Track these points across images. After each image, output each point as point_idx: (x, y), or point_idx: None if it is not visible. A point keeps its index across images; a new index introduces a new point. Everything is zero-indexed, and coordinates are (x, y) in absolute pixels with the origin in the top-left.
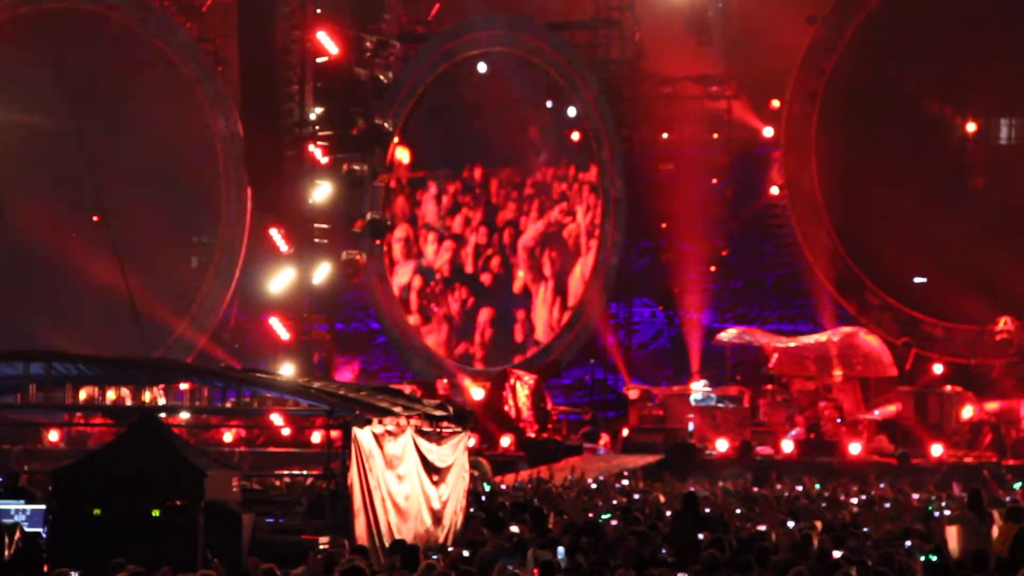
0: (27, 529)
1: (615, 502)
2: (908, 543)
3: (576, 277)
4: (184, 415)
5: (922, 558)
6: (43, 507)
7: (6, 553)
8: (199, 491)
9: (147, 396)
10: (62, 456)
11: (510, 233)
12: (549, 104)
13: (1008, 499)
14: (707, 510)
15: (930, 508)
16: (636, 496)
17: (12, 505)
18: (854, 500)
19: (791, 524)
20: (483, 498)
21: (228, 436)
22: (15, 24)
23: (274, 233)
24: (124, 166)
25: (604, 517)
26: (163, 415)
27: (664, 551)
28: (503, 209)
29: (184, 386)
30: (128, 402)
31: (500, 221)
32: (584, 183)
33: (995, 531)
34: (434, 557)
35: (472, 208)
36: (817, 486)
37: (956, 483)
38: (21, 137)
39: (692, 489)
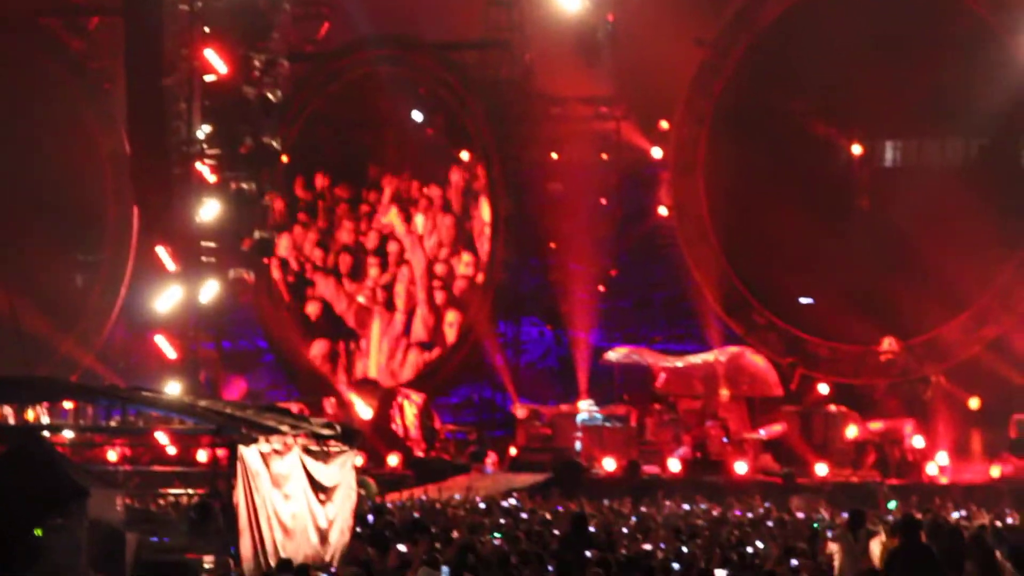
0: None
1: (502, 521)
2: (794, 562)
3: (465, 295)
4: (68, 433)
5: None
6: None
7: None
8: (82, 510)
9: (30, 414)
10: None
11: (398, 249)
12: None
13: (889, 517)
14: (593, 529)
15: (815, 526)
16: (523, 515)
17: None
18: (743, 516)
19: (684, 549)
20: (369, 517)
21: (113, 455)
22: None
23: (161, 251)
24: (8, 183)
25: (492, 536)
26: (46, 433)
27: (550, 569)
28: (390, 225)
29: (68, 404)
30: (11, 420)
31: (389, 237)
32: (472, 200)
33: (876, 546)
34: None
35: (361, 222)
36: (703, 506)
37: (827, 504)
38: None
39: (579, 509)
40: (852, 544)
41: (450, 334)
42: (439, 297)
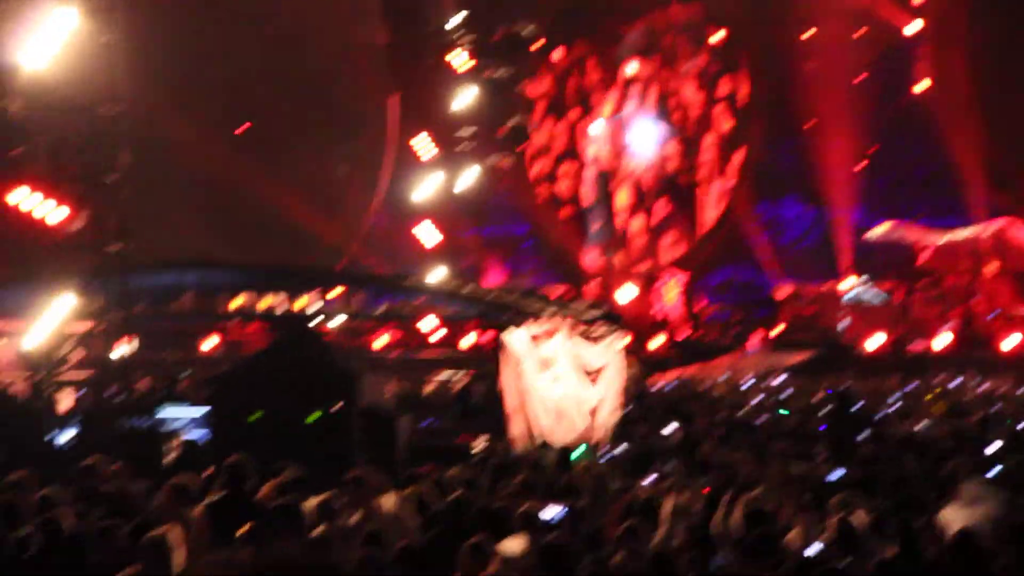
0: (186, 437)
1: (767, 401)
2: None
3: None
4: (337, 321)
5: None
6: (201, 414)
7: (166, 460)
8: (353, 395)
9: (300, 303)
10: (218, 363)
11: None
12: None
13: None
14: (859, 407)
15: None
16: (787, 394)
17: (172, 412)
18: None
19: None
20: (638, 399)
21: (381, 341)
22: None
23: (419, 140)
24: (269, 79)
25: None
26: (316, 321)
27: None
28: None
29: (336, 292)
30: (281, 309)
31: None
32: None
33: None
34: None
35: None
36: (973, 382)
37: None
38: (167, 53)
39: (846, 387)
40: None
41: (710, 215)
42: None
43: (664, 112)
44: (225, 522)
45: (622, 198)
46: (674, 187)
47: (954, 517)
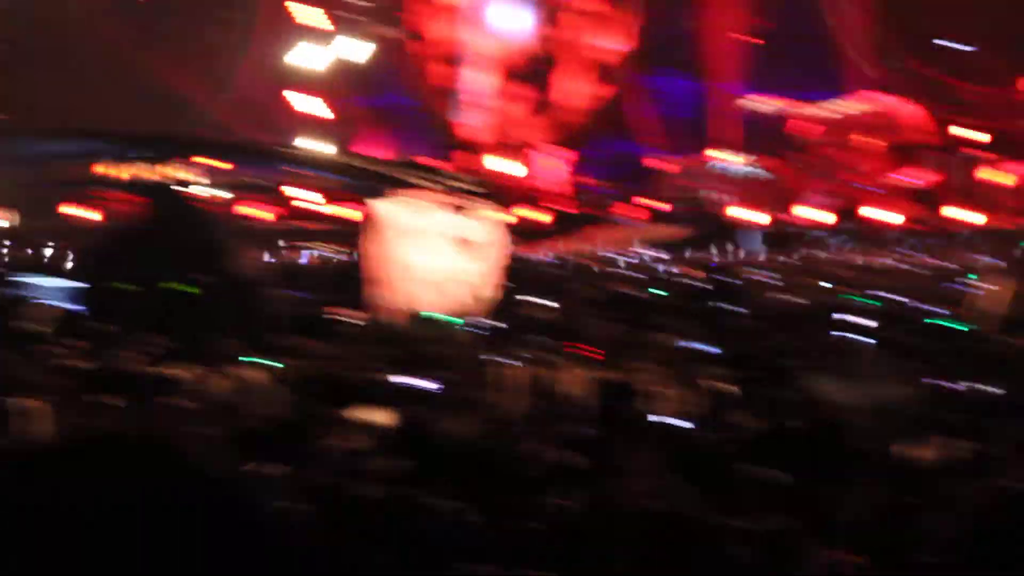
0: (55, 304)
1: (641, 274)
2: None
3: (605, 48)
4: (212, 190)
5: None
6: (70, 283)
7: (33, 328)
8: (225, 266)
9: (173, 172)
10: (89, 233)
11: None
12: None
13: None
14: (729, 280)
15: (971, 276)
16: (662, 268)
17: (39, 281)
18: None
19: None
20: (513, 272)
21: (258, 212)
22: None
23: (298, 6)
24: None
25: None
26: (194, 189)
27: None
28: None
29: (209, 161)
30: (154, 177)
31: None
32: None
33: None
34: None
35: None
36: (848, 255)
37: (985, 249)
38: None
39: (715, 261)
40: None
41: (589, 88)
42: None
43: None
44: (97, 392)
45: (496, 73)
46: (551, 59)
47: (829, 391)
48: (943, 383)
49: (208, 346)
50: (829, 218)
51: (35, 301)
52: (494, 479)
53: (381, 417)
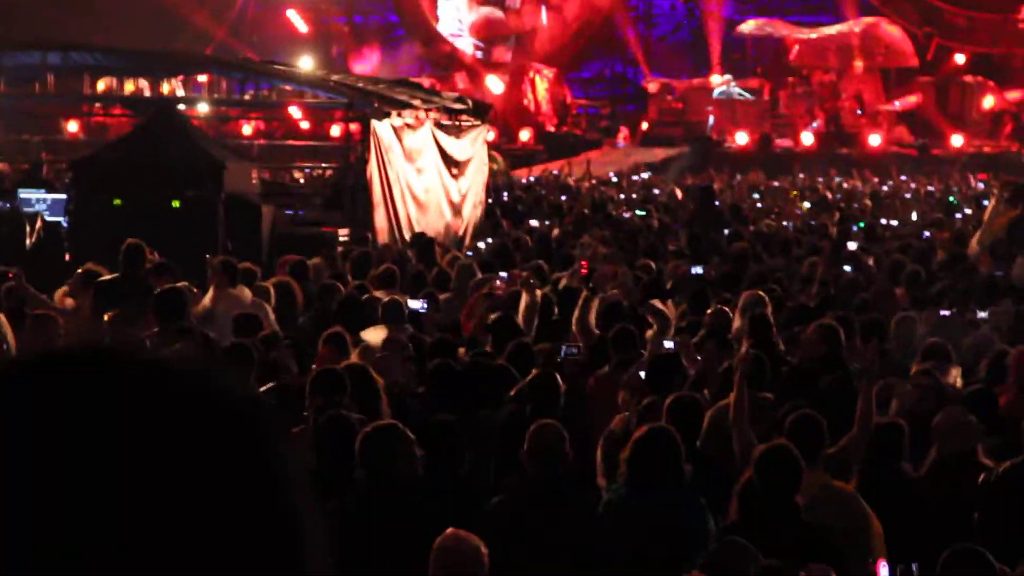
0: (48, 218)
1: (634, 196)
2: (926, 233)
3: None
4: (203, 107)
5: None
6: (64, 196)
7: (28, 241)
8: (219, 182)
9: (166, 88)
10: (81, 147)
11: None
12: None
13: None
14: (721, 203)
15: (951, 200)
16: (656, 191)
17: (33, 194)
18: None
19: (806, 205)
20: (503, 192)
21: (247, 129)
22: None
23: None
24: None
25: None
26: (182, 107)
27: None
28: None
29: (202, 78)
30: (147, 93)
31: None
32: None
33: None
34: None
35: None
36: (837, 179)
37: (973, 173)
38: None
39: (709, 183)
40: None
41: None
42: None
43: None
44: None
45: None
46: None
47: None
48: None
49: (204, 262)
50: (823, 142)
51: (29, 212)
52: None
53: (375, 336)
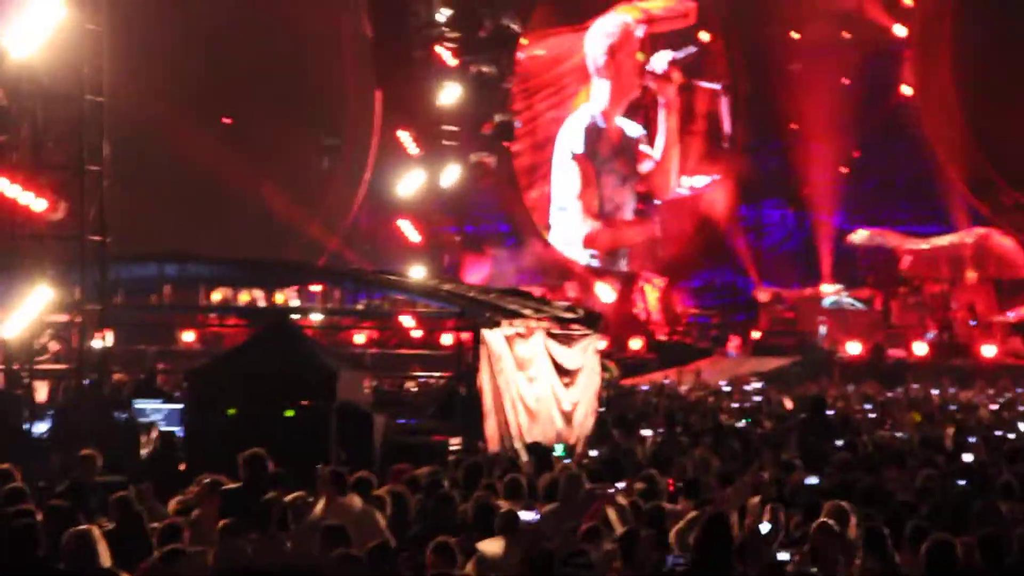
0: (163, 428)
1: (746, 405)
2: None
3: (706, 180)
4: (316, 316)
5: None
6: (179, 407)
7: (143, 451)
8: (331, 392)
9: (280, 298)
10: (196, 356)
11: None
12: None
13: None
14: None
15: None
16: (758, 398)
17: (149, 404)
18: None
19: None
20: (614, 401)
21: (360, 338)
22: None
23: (403, 135)
24: (253, 66)
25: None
26: (295, 316)
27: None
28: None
29: (316, 288)
30: (261, 303)
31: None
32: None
33: None
34: (566, 460)
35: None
36: (952, 390)
37: None
38: (151, 42)
39: (821, 393)
40: None
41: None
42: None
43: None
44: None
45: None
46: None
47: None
48: None
49: (316, 472)
50: (937, 352)
51: (144, 423)
52: None
53: (494, 547)
